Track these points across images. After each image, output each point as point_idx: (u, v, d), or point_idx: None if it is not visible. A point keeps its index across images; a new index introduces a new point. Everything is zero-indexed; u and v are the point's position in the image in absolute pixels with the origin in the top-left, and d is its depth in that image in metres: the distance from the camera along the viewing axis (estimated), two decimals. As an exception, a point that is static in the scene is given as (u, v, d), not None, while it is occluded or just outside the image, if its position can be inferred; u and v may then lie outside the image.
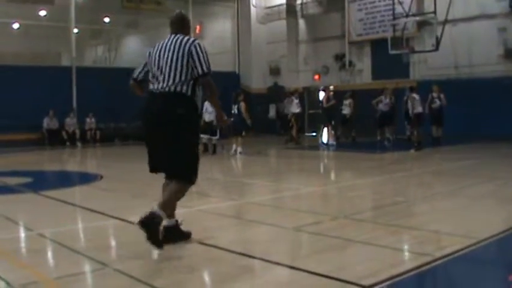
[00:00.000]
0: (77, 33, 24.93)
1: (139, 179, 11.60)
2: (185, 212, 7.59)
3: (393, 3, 21.99)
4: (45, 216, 7.50)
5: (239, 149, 15.80)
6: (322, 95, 21.77)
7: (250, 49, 28.80)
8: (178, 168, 5.23)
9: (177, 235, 5.42)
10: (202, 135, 14.69)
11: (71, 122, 22.42)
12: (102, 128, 23.36)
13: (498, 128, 19.03)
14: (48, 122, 21.82)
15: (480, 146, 17.31)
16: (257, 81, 28.69)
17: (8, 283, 4.32)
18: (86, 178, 12.25)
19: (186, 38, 5.29)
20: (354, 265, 4.82)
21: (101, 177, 11.61)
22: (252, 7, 28.76)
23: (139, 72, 5.60)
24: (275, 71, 28.49)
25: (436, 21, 20.54)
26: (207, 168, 13.97)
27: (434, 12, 20.46)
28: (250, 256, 5.04)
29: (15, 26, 26.64)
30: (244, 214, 7.18)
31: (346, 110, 20.81)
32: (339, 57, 26.33)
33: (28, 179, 11.54)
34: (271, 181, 11.16)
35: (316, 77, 27.03)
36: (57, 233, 6.16)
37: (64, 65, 26.06)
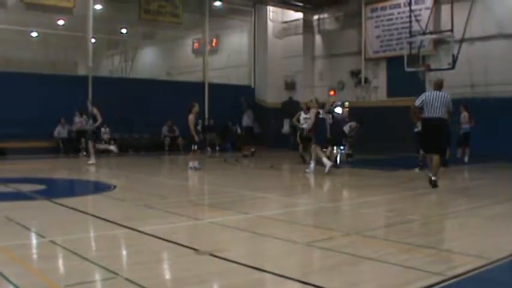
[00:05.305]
0: (94, 43, 25.14)
1: (152, 190, 11.65)
2: (196, 224, 7.62)
3: (410, 21, 22.05)
4: (57, 224, 7.53)
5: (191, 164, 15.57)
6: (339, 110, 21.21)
7: (266, 63, 28.86)
8: (442, 150, 11.56)
9: (435, 184, 11.03)
10: None
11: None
12: (116, 138, 23.43)
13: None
14: (60, 130, 21.94)
15: (495, 166, 17.17)
16: (272, 95, 28.72)
17: (18, 289, 4.33)
18: (99, 187, 12.30)
19: (446, 94, 11.04)
20: (365, 282, 4.79)
21: (114, 186, 11.64)
22: (268, 21, 28.86)
23: (419, 104, 11.10)
24: (290, 86, 28.54)
25: (453, 39, 20.53)
26: (219, 180, 13.98)
27: (451, 30, 20.46)
28: (261, 270, 5.01)
29: (34, 34, 26.99)
30: (256, 228, 7.15)
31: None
32: (355, 74, 26.30)
33: (41, 186, 11.61)
34: (284, 195, 11.13)
35: (332, 92, 26.94)
36: (69, 241, 6.16)
37: (80, 74, 26.27)
